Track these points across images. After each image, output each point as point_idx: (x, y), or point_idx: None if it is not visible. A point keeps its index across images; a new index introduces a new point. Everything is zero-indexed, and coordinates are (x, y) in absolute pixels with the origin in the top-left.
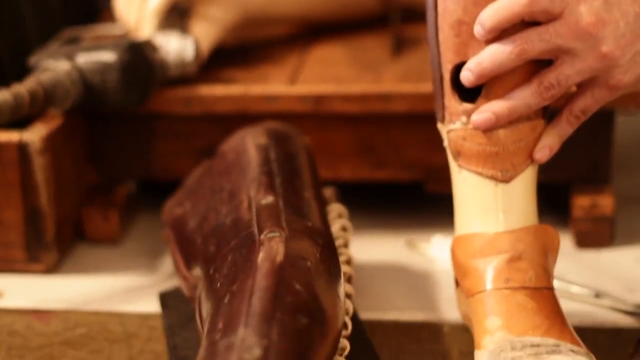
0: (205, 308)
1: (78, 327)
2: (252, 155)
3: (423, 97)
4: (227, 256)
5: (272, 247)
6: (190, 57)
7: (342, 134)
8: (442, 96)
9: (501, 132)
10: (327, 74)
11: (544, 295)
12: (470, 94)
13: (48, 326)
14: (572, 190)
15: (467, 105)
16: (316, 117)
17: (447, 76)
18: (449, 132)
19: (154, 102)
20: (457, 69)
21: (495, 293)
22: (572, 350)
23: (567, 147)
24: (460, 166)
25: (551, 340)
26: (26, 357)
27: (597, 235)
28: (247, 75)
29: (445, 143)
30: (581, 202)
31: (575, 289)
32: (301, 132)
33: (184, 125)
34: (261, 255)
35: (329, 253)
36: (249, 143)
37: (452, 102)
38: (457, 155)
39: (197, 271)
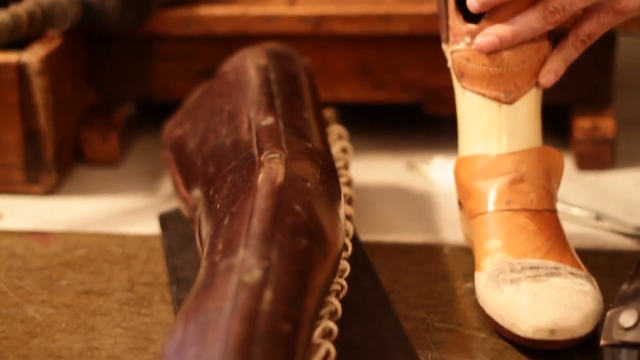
0: (205, 229)
1: (77, 249)
2: (252, 76)
3: (423, 18)
4: (226, 177)
5: (272, 168)
6: None
7: (342, 55)
8: (447, 17)
9: (505, 53)
10: None
11: (545, 217)
12: (474, 15)
13: (47, 248)
14: (573, 112)
15: (471, 26)
16: (316, 38)
17: None
18: (452, 52)
19: (153, 23)
20: None
21: (496, 215)
22: (571, 273)
23: (568, 68)
24: (463, 87)
25: (551, 263)
26: (25, 278)
27: (597, 157)
28: None
29: (449, 64)
30: (582, 124)
31: (575, 211)
32: (301, 53)
33: (183, 46)
34: (261, 177)
35: (330, 174)
36: (249, 64)
37: (456, 22)
38: (461, 76)
39: (197, 192)
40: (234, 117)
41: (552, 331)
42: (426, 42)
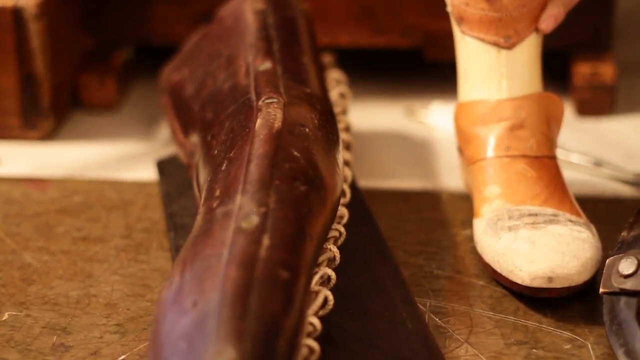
0: (203, 175)
1: (75, 195)
2: (250, 21)
3: None
4: (224, 123)
5: (269, 114)
6: None
7: None
8: None
9: None
10: None
11: (544, 164)
12: None
13: (45, 194)
14: (572, 57)
15: None
16: None
17: None
18: None
19: None
20: None
21: (495, 161)
22: (570, 221)
23: (568, 13)
24: (463, 32)
25: (549, 210)
26: (23, 224)
27: (597, 103)
28: None
29: (449, 9)
30: (581, 70)
31: (575, 157)
32: None
33: None
34: (259, 122)
35: (328, 119)
36: (247, 8)
37: None
38: (460, 20)
39: (195, 138)
40: (232, 61)
41: (550, 279)
42: None
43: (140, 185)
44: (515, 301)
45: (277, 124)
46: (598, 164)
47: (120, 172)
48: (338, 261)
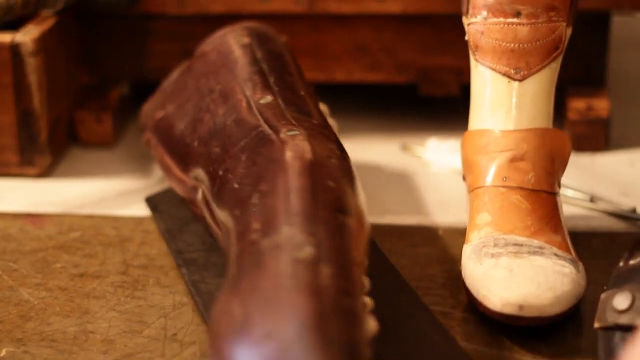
0: (225, 210)
1: (72, 231)
2: (238, 55)
3: None
4: (238, 156)
5: (298, 145)
6: None
7: (336, 36)
8: None
9: (519, 29)
10: None
11: (541, 198)
12: None
13: (42, 230)
14: (567, 92)
15: (489, 0)
16: (310, 17)
17: None
18: (469, 25)
19: (147, 2)
20: None
21: (491, 190)
22: (555, 254)
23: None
24: (476, 60)
25: (536, 242)
26: (20, 261)
27: (592, 138)
28: None
29: (466, 37)
30: (576, 105)
31: (570, 193)
32: (278, 32)
33: (177, 25)
34: (289, 154)
35: (342, 150)
36: (232, 42)
37: None
38: (475, 49)
39: (199, 173)
40: (228, 96)
41: (521, 307)
42: (421, 22)
43: (137, 222)
44: (511, 337)
45: (308, 155)
46: (593, 199)
47: (117, 209)
48: (368, 288)
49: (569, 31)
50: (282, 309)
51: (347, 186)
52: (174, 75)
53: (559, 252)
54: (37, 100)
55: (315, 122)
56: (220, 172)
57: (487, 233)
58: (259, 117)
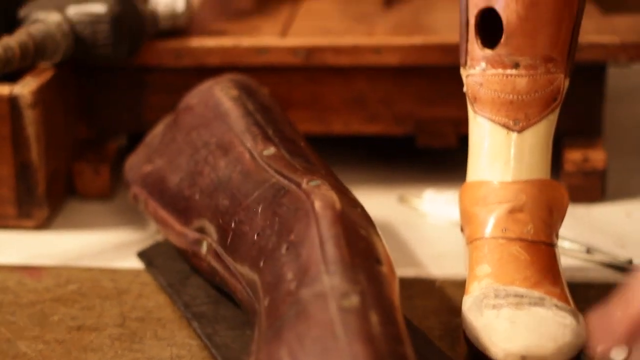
0: (243, 262)
1: (69, 284)
2: (229, 107)
3: (415, 49)
4: (253, 208)
5: (325, 195)
6: (181, 8)
7: (334, 87)
8: (467, 41)
9: (518, 81)
10: (319, 26)
11: (541, 249)
12: (492, 41)
13: (39, 282)
14: (563, 143)
15: (487, 51)
16: (307, 69)
17: (472, 21)
18: (467, 77)
19: (144, 55)
20: (482, 14)
21: (491, 241)
22: (556, 306)
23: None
24: (475, 112)
25: (537, 293)
26: (17, 314)
27: (588, 189)
28: (238, 27)
29: (465, 89)
30: (573, 156)
31: (566, 244)
32: (261, 83)
33: (174, 78)
34: (318, 204)
35: (356, 199)
36: (220, 95)
37: (474, 47)
38: (474, 100)
39: (204, 226)
40: (227, 148)
41: (523, 357)
42: (418, 73)
43: (135, 274)
44: None
45: (337, 205)
46: (590, 250)
47: (114, 261)
48: None
49: (567, 82)
50: (338, 357)
51: (375, 234)
52: (159, 129)
53: (559, 304)
54: (35, 152)
55: (323, 172)
56: (233, 225)
57: (488, 284)
58: (267, 169)
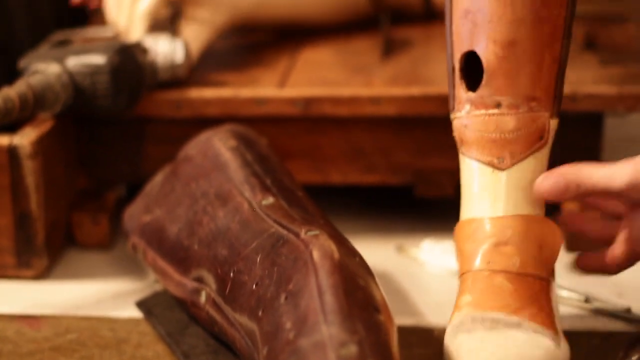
0: (242, 311)
1: (69, 333)
2: (228, 157)
3: (413, 100)
4: (252, 258)
5: (324, 245)
6: (180, 59)
7: (332, 138)
8: (453, 86)
9: (500, 120)
10: (317, 77)
11: (527, 280)
12: (478, 85)
13: (38, 332)
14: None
15: (471, 94)
16: (306, 120)
17: (457, 65)
18: (454, 120)
19: (143, 106)
20: (466, 58)
21: (476, 274)
22: (534, 331)
23: (557, 150)
24: (463, 153)
25: (515, 318)
26: None
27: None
28: (237, 78)
29: (453, 132)
30: (570, 205)
31: (565, 293)
32: (259, 134)
33: (174, 128)
34: (317, 254)
35: (355, 248)
36: (219, 145)
37: (460, 91)
38: (461, 143)
39: (203, 275)
40: (226, 198)
41: None
42: (416, 124)
43: (134, 323)
44: None
45: (336, 255)
46: (588, 299)
47: (113, 310)
48: None
49: (555, 123)
50: None
51: (374, 283)
52: (158, 179)
53: (539, 328)
54: (34, 202)
55: (322, 221)
56: (232, 274)
57: (467, 312)
58: (266, 218)
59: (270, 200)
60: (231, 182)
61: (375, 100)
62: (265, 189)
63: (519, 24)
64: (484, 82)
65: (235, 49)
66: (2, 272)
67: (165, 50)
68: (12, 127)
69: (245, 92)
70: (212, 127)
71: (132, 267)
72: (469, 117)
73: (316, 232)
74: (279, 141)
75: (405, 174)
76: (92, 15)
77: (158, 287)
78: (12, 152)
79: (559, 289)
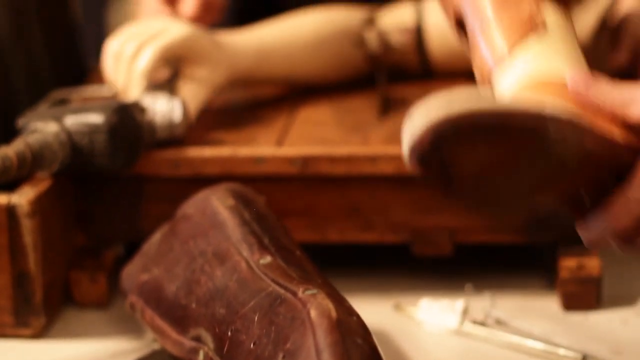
0: None
1: None
2: (226, 216)
3: None
4: (249, 316)
5: (321, 304)
6: (178, 118)
7: (330, 196)
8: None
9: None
10: (315, 135)
11: None
12: None
13: None
14: (558, 251)
15: None
16: (304, 179)
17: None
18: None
19: (141, 164)
20: None
21: None
22: None
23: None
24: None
25: None
26: None
27: (584, 296)
28: (235, 137)
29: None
30: (568, 264)
31: (562, 351)
32: (257, 192)
33: (172, 187)
34: (314, 312)
35: (352, 307)
36: (217, 204)
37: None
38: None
39: (201, 334)
40: (224, 257)
41: None
42: (413, 182)
43: None
44: None
45: (334, 313)
46: (586, 358)
47: None
48: None
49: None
50: None
51: (373, 343)
52: (156, 237)
53: None
54: (32, 261)
55: (320, 281)
56: (229, 333)
57: None
58: (264, 277)
59: (268, 259)
60: (229, 240)
61: (372, 159)
62: (263, 248)
63: None
64: None
65: (232, 107)
66: (0, 331)
67: (164, 109)
68: (10, 186)
69: (244, 150)
70: (210, 186)
71: (130, 325)
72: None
73: (314, 291)
74: (277, 199)
75: (402, 232)
76: (90, 74)
77: (156, 346)
78: (10, 211)
79: (557, 347)
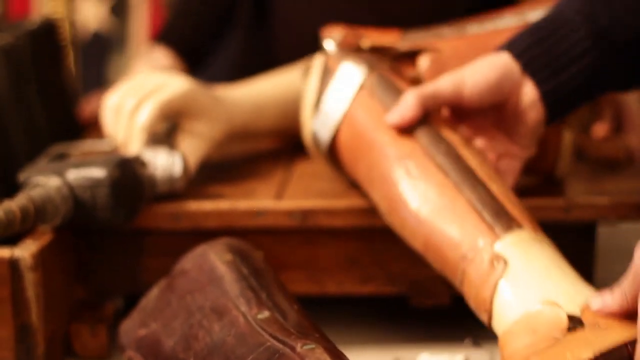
0: None
1: None
2: (223, 271)
3: None
4: None
5: (320, 359)
6: (178, 172)
7: (328, 249)
8: None
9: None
10: (313, 189)
11: None
12: None
13: None
14: None
15: None
16: (303, 232)
17: None
18: None
19: (142, 218)
20: None
21: None
22: None
23: None
24: None
25: None
26: None
27: None
28: (234, 190)
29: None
30: None
31: None
32: (255, 246)
33: (171, 240)
34: None
35: None
36: (214, 259)
37: None
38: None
39: None
40: (221, 313)
41: None
42: None
43: None
44: None
45: None
46: None
47: None
48: None
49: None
50: None
51: None
52: (153, 293)
53: None
54: (35, 314)
55: (317, 335)
56: None
57: None
58: (262, 332)
59: (265, 314)
60: (227, 296)
61: (370, 212)
62: (261, 303)
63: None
64: None
65: (230, 160)
66: None
67: (164, 163)
68: (12, 240)
69: (243, 204)
70: (209, 241)
71: None
72: None
73: (312, 345)
74: (276, 252)
75: (401, 284)
76: (86, 129)
77: None
78: (13, 265)
79: None
